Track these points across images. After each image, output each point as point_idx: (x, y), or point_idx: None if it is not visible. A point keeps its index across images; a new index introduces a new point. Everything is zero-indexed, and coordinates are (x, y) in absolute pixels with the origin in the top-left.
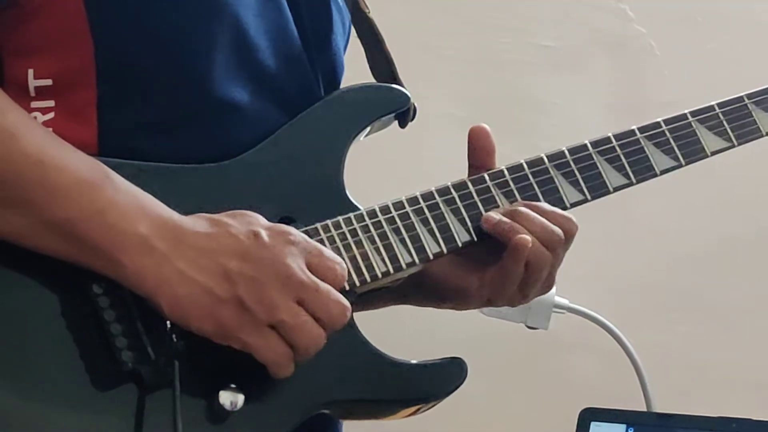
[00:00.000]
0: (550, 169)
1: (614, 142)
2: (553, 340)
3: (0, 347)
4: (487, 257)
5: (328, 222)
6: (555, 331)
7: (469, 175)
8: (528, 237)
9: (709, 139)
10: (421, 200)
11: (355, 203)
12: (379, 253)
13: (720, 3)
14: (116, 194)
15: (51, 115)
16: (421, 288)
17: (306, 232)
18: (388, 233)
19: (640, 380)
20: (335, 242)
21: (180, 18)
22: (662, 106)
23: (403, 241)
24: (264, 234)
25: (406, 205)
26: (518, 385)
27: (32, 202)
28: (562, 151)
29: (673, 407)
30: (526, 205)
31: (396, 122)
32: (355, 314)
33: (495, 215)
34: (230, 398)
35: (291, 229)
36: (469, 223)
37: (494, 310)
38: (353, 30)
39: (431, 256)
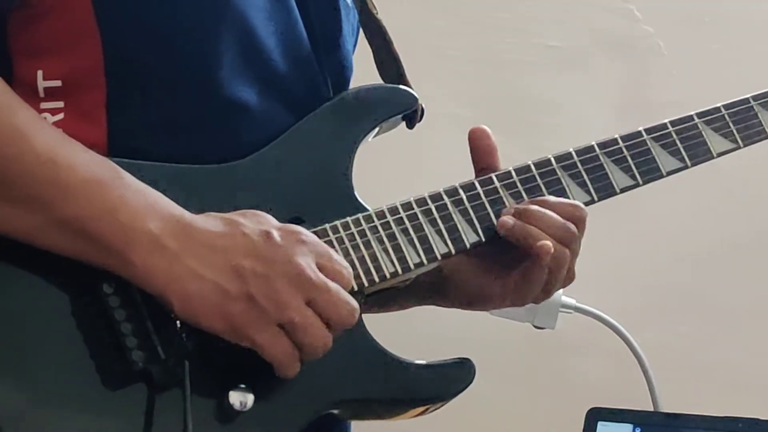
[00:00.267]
0: (557, 170)
1: (621, 144)
2: (560, 340)
3: (10, 346)
4: (505, 259)
5: (337, 223)
6: (562, 330)
7: (477, 177)
8: (549, 243)
9: (715, 141)
10: (429, 201)
11: (364, 204)
12: (388, 254)
13: (727, 3)
14: (127, 193)
15: (60, 116)
16: (445, 291)
17: (315, 233)
18: (397, 234)
19: (646, 380)
20: (344, 243)
21: (188, 18)
22: (669, 106)
23: (411, 242)
24: (276, 234)
25: (414, 205)
26: (525, 384)
27: (43, 201)
28: (570, 152)
29: (680, 407)
30: (533, 202)
31: (403, 123)
32: (365, 315)
33: (509, 220)
34: (240, 398)
35: (302, 229)
36: (477, 224)
37: (501, 309)
38: (361, 31)
39: (439, 257)
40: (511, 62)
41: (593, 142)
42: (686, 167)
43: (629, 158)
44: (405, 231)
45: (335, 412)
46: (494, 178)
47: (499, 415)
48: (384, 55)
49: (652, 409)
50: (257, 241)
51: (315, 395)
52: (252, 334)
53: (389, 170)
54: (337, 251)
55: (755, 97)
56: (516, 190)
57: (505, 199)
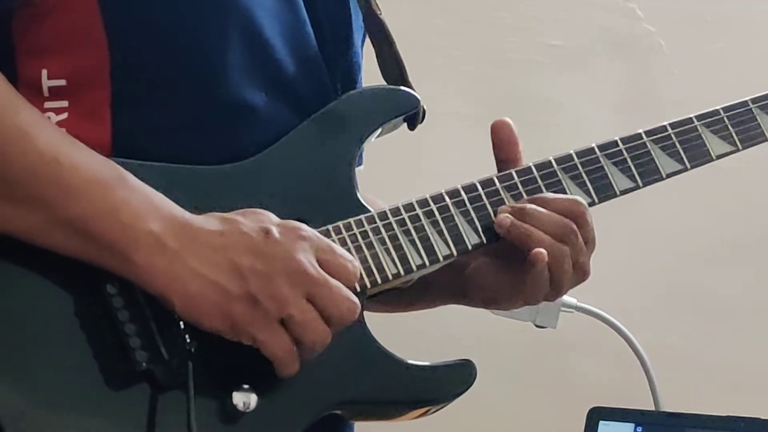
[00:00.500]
0: (558, 172)
1: (621, 146)
2: (562, 339)
3: (13, 346)
4: (516, 258)
5: (340, 224)
6: (563, 330)
7: (498, 172)
8: (543, 251)
9: (714, 143)
10: (431, 202)
11: (366, 205)
12: (390, 255)
13: (729, 3)
14: (129, 193)
15: (65, 115)
16: (466, 291)
17: None
18: (399, 235)
19: (648, 379)
20: (346, 244)
21: (194, 17)
22: (671, 105)
23: (413, 243)
24: (275, 230)
25: (416, 206)
26: (526, 384)
27: (46, 200)
28: (570, 154)
29: (681, 406)
30: (531, 200)
31: (405, 124)
32: (373, 314)
33: (506, 219)
34: (243, 399)
35: (302, 225)
36: (478, 226)
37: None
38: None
39: (441, 258)
40: (512, 61)
41: (593, 144)
42: (686, 169)
43: (629, 160)
44: (407, 232)
45: (338, 412)
46: (495, 180)
47: (501, 414)
48: (386, 56)
49: (653, 409)
50: (256, 239)
51: (318, 396)
52: (253, 331)
53: (393, 169)
54: None
55: (754, 100)
56: (517, 191)
57: (506, 200)
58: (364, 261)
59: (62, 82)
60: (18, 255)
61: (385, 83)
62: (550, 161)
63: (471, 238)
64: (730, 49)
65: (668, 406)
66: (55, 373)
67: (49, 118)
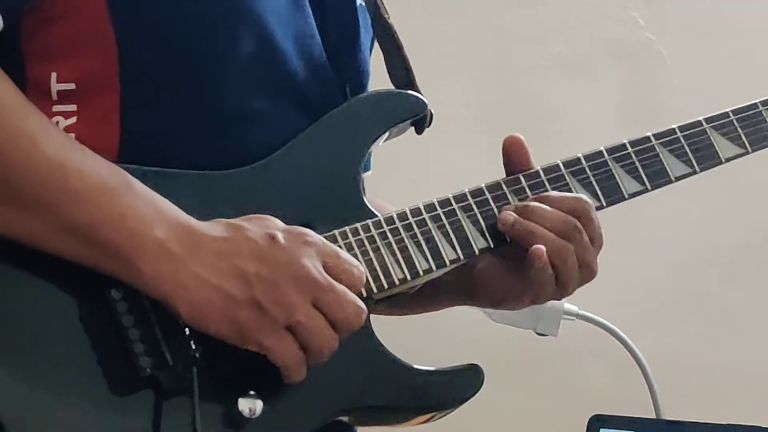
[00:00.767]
0: (566, 176)
1: (630, 149)
2: (563, 347)
3: (18, 350)
4: (522, 257)
5: (346, 228)
6: (564, 337)
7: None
8: (542, 247)
9: (723, 146)
10: (438, 207)
11: (372, 209)
12: (397, 260)
13: (730, 11)
14: (135, 199)
15: (73, 119)
16: (474, 292)
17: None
18: (406, 240)
19: (649, 387)
20: (353, 249)
21: (205, 23)
22: (672, 114)
23: (420, 248)
24: (280, 236)
25: (423, 211)
26: (527, 391)
27: (52, 206)
28: (578, 158)
29: (682, 414)
30: (535, 199)
31: (412, 128)
32: (382, 317)
33: (510, 217)
34: (249, 405)
35: (307, 230)
36: (485, 230)
37: (504, 316)
38: None
39: (448, 263)
40: (516, 69)
41: (602, 148)
42: (695, 172)
43: (638, 163)
44: (414, 237)
45: (344, 418)
46: (503, 184)
47: (502, 422)
48: (394, 60)
49: (654, 416)
50: (261, 245)
51: (323, 402)
52: (259, 337)
53: (398, 174)
54: None
55: (764, 102)
56: (525, 196)
57: (513, 203)
58: (370, 266)
59: (71, 86)
60: (23, 260)
61: (392, 87)
62: (558, 165)
63: (478, 242)
64: (731, 59)
65: (669, 413)
66: (60, 378)
67: (57, 122)
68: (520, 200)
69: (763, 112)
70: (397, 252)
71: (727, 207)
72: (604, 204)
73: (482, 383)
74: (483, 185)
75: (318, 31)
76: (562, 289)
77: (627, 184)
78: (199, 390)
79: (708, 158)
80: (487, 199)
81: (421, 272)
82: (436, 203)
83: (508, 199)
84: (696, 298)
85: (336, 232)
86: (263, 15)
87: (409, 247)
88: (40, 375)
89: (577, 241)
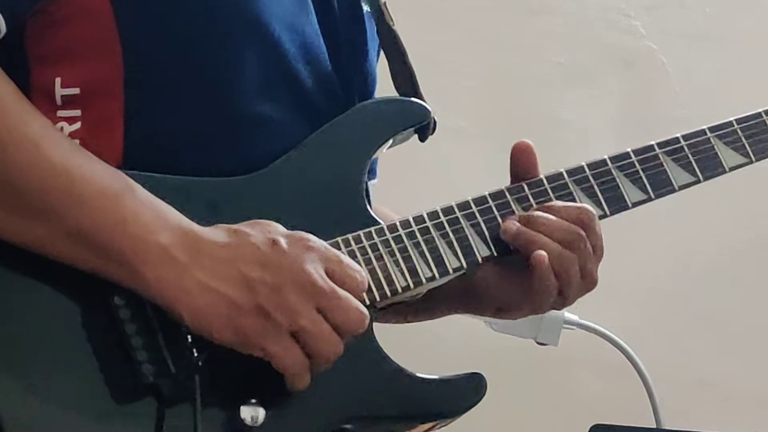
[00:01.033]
0: (569, 184)
1: (633, 158)
2: (563, 356)
3: (20, 357)
4: (523, 266)
5: (349, 236)
6: (565, 347)
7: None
8: (543, 253)
9: (727, 155)
10: (441, 215)
11: (376, 217)
12: (400, 268)
13: (731, 20)
14: (139, 205)
15: (77, 125)
16: (474, 301)
17: None
18: (409, 248)
19: (649, 396)
20: (356, 257)
21: (212, 29)
22: (673, 123)
23: (423, 257)
24: (283, 241)
25: (426, 219)
26: (528, 400)
27: (56, 211)
28: (582, 166)
29: (682, 424)
30: (539, 208)
31: (415, 136)
32: (386, 325)
33: (513, 225)
34: (251, 413)
35: (310, 236)
36: (488, 238)
37: (505, 325)
38: None
39: (451, 271)
40: (517, 78)
41: (605, 156)
42: (698, 181)
43: (641, 172)
44: (417, 245)
45: (347, 427)
46: (506, 192)
47: (503, 431)
48: (399, 67)
49: (654, 426)
50: (264, 250)
51: (326, 411)
52: (264, 344)
53: (399, 182)
54: None
55: (767, 112)
56: (528, 204)
57: (516, 212)
58: (373, 274)
59: (75, 91)
60: (26, 266)
61: (397, 94)
62: (561, 173)
63: (481, 251)
64: (731, 67)
65: (669, 423)
66: (61, 384)
67: (62, 128)
68: (523, 209)
69: (766, 121)
70: (400, 260)
71: (727, 217)
72: (608, 213)
73: (485, 392)
74: (486, 194)
75: (325, 38)
76: (563, 299)
77: (631, 193)
78: (202, 398)
79: (712, 168)
80: (490, 208)
81: (423, 280)
82: (440, 211)
83: (511, 207)
84: (697, 308)
85: (339, 239)
86: (270, 21)
87: (412, 255)
88: (42, 382)
89: (581, 251)
